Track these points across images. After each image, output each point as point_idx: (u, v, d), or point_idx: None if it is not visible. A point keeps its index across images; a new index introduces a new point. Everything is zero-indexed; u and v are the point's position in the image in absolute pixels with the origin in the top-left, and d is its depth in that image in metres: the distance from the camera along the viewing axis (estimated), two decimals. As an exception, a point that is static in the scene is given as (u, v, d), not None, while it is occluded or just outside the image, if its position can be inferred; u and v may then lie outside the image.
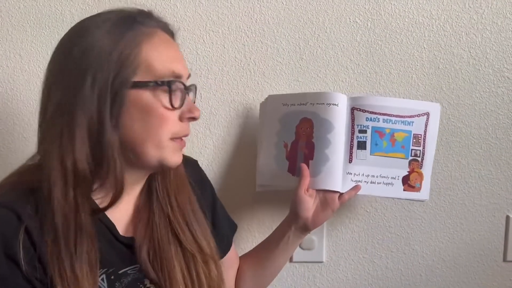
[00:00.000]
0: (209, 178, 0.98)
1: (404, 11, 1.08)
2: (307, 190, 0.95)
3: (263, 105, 1.06)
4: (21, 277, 0.66)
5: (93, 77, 0.67)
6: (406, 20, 1.08)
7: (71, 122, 0.67)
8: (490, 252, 1.16)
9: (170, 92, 0.71)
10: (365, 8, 1.08)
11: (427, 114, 0.98)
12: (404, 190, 0.98)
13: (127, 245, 0.77)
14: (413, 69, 1.09)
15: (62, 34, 1.06)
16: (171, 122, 0.72)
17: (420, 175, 0.99)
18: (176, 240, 0.80)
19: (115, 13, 0.73)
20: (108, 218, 0.75)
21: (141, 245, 0.77)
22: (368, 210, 1.14)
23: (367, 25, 1.08)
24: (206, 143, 1.12)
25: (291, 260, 1.16)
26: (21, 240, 0.65)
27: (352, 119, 0.97)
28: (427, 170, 0.99)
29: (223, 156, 1.12)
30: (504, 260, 1.16)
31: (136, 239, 0.78)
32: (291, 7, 1.08)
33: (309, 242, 1.14)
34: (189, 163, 0.89)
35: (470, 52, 1.09)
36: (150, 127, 0.71)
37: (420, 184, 0.99)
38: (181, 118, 0.74)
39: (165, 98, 0.71)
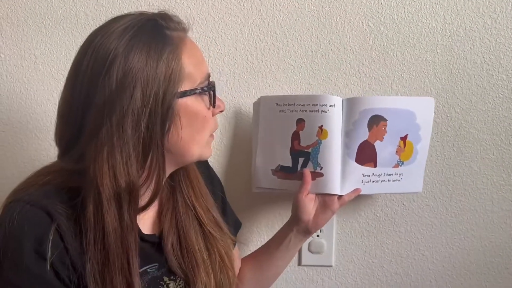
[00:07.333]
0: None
1: (418, 15, 1.07)
2: (307, 194, 0.96)
3: (256, 105, 1.05)
4: (52, 275, 0.66)
5: (141, 92, 0.67)
6: (419, 24, 1.07)
7: (123, 137, 0.67)
8: (501, 260, 1.15)
9: (214, 94, 0.77)
10: (378, 12, 1.07)
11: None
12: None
13: (151, 242, 0.79)
14: (426, 73, 1.09)
15: (77, 34, 1.09)
16: (210, 121, 0.78)
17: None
18: (197, 224, 0.84)
19: (135, 18, 0.72)
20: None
21: (167, 236, 0.81)
22: (378, 215, 1.14)
23: (380, 29, 1.08)
24: (217, 145, 1.12)
25: (300, 263, 1.16)
26: (51, 239, 0.66)
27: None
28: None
29: (233, 157, 1.13)
30: (516, 267, 1.15)
31: (163, 232, 0.81)
32: (304, 10, 1.08)
33: (318, 246, 1.14)
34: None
35: (483, 57, 1.08)
36: (196, 130, 0.75)
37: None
38: (213, 114, 0.79)
39: (206, 100, 0.76)
